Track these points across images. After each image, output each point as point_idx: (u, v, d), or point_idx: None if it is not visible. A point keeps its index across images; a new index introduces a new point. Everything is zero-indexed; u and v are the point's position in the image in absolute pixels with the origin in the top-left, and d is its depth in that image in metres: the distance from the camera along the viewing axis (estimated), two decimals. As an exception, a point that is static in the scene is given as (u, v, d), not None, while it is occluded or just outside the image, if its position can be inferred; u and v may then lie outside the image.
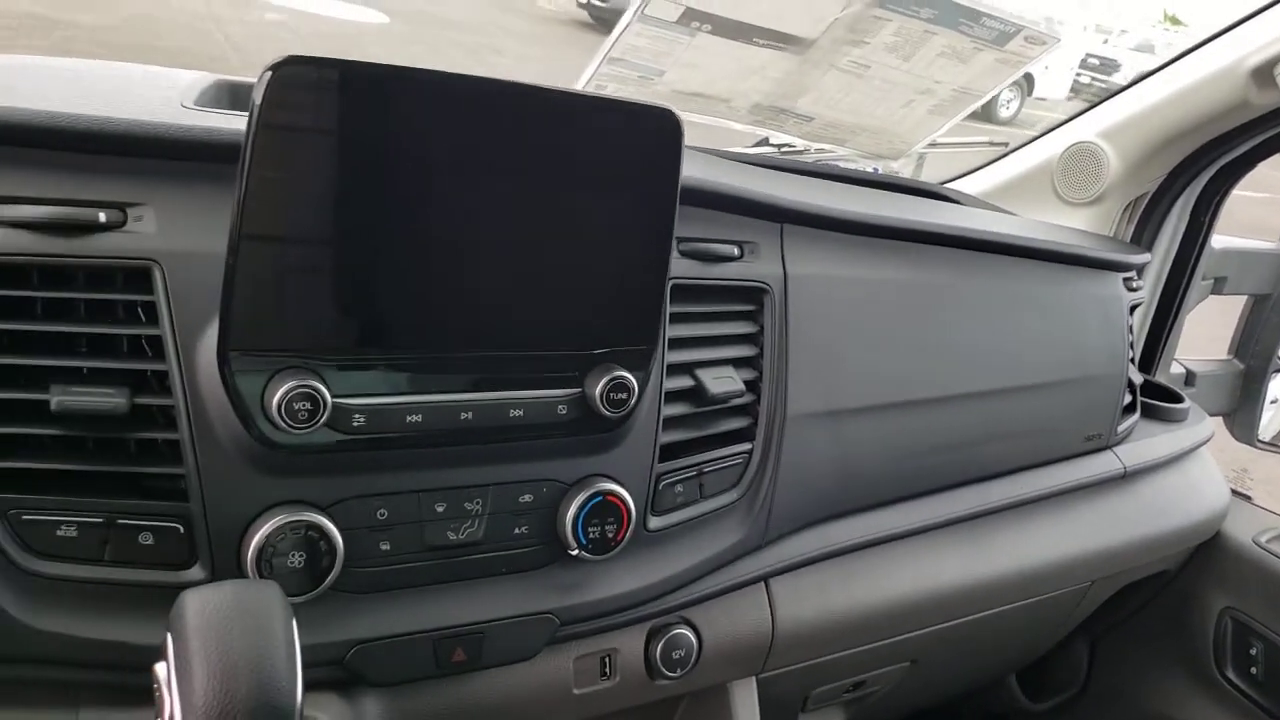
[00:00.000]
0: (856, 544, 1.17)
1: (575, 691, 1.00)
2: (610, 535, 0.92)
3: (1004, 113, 12.73)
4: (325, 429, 0.75)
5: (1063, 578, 1.44)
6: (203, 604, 0.61)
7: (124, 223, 0.75)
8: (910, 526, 1.22)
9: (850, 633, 1.21)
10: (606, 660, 1.02)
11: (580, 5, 13.40)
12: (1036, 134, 1.86)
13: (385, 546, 0.84)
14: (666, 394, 0.96)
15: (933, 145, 1.67)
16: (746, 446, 1.05)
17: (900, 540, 1.23)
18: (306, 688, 0.85)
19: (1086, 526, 1.45)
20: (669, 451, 0.98)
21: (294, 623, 0.63)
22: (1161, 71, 1.60)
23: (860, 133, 1.54)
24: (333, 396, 0.73)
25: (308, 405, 0.73)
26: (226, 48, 8.23)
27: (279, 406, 0.72)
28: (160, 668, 0.61)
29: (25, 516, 0.73)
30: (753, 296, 1.05)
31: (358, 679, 0.85)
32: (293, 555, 0.78)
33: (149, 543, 0.76)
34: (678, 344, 0.98)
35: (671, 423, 0.98)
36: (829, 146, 1.58)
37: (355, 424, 0.77)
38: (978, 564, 1.32)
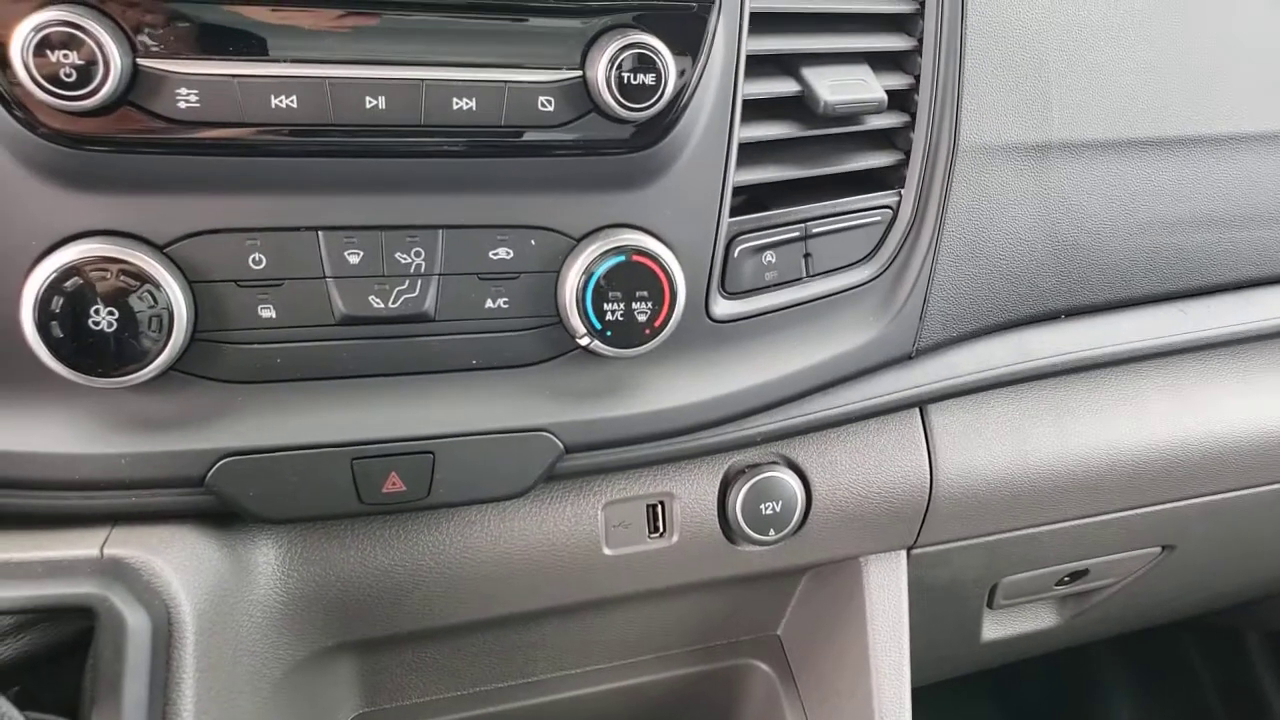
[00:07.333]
0: (1072, 362, 0.76)
1: (606, 551, 0.68)
2: (643, 318, 0.58)
3: None
4: (133, 108, 0.50)
5: None
6: None
7: None
8: (1156, 343, 0.80)
9: (1060, 491, 0.81)
10: (658, 511, 0.69)
11: None
12: None
13: (268, 313, 0.54)
14: (747, 103, 0.59)
15: None
16: (891, 196, 0.66)
17: (1139, 363, 0.81)
18: (151, 518, 0.58)
19: None
20: (754, 200, 0.62)
21: None
22: None
23: None
24: (135, 55, 0.48)
25: (71, 57, 0.44)
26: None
27: (23, 51, 0.43)
28: None
29: None
30: None
31: (234, 510, 0.56)
32: (99, 314, 0.49)
33: None
34: (768, 22, 0.60)
35: (755, 152, 0.62)
36: None
37: (182, 103, 0.48)
38: (1259, 406, 0.88)
